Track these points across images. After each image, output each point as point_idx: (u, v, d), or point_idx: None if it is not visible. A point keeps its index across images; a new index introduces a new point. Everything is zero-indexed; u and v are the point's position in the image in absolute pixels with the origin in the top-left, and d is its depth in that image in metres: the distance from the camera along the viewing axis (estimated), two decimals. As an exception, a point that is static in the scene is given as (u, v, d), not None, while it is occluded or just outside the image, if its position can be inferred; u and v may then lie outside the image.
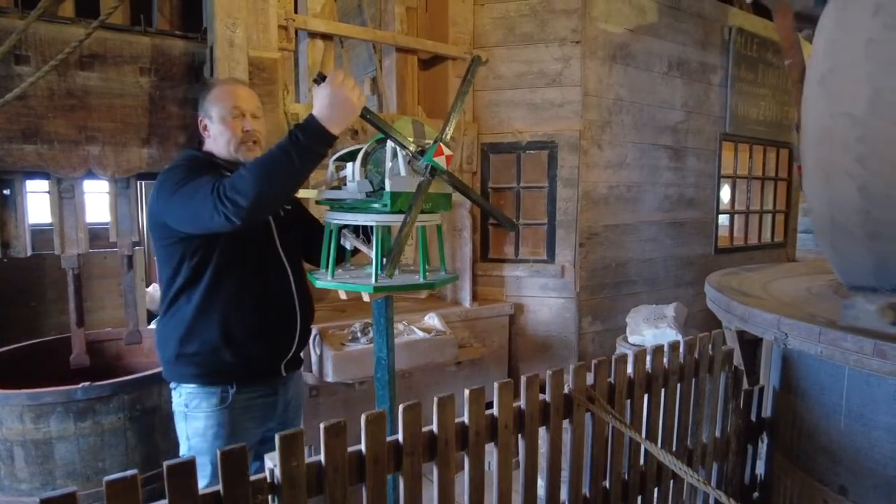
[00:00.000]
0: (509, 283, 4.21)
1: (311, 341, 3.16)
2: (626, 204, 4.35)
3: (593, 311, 4.24)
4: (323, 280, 1.68)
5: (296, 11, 3.34)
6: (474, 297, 4.07)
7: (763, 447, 2.68)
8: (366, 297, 1.60)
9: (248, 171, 1.55)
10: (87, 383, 2.58)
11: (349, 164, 1.71)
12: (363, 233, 1.80)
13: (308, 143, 1.55)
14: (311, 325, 2.08)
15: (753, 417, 2.62)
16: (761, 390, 2.64)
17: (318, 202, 1.78)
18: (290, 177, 1.57)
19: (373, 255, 1.63)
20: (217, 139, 1.84)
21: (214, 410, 1.80)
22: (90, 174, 2.83)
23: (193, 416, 1.82)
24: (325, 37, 3.46)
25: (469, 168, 4.03)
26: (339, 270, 1.81)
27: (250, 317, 1.83)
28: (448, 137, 1.60)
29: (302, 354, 2.05)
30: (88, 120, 2.76)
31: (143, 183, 4.06)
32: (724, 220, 5.34)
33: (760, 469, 2.71)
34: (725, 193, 5.49)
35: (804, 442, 2.35)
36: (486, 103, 4.11)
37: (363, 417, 1.41)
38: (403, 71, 3.87)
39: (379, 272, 1.60)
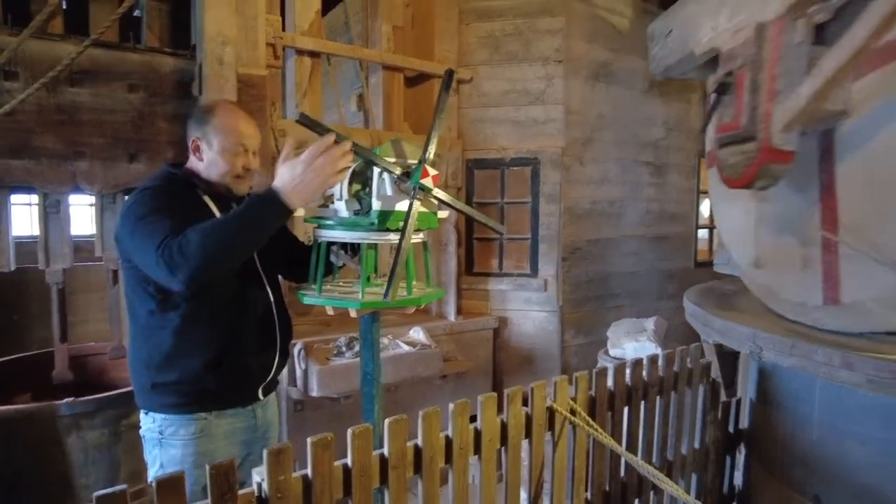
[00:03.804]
0: (494, 297, 4.26)
1: (295, 356, 3.18)
2: (608, 219, 4.44)
3: (576, 324, 4.30)
4: (311, 296, 1.71)
5: (284, 29, 3.39)
6: (459, 311, 4.12)
7: (741, 458, 2.74)
8: (353, 313, 1.64)
9: (198, 236, 1.49)
10: (70, 399, 2.57)
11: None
12: (350, 248, 1.84)
13: (265, 217, 1.55)
14: (290, 347, 2.04)
15: (731, 429, 2.68)
16: (739, 402, 2.70)
17: (306, 220, 1.82)
18: (241, 247, 1.56)
19: (360, 271, 1.67)
20: (211, 167, 1.79)
21: (193, 439, 1.74)
22: (77, 189, 2.84)
23: (169, 444, 1.75)
24: (313, 54, 3.52)
25: (454, 183, 4.09)
26: (327, 285, 1.85)
27: (232, 342, 1.76)
28: (431, 157, 1.65)
29: (279, 378, 2.02)
30: (77, 135, 2.78)
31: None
32: (704, 234, 5.46)
33: (738, 480, 2.77)
34: (705, 208, 5.61)
35: (779, 452, 2.41)
36: (471, 120, 4.19)
37: (350, 431, 1.44)
38: (390, 88, 3.93)
39: (365, 288, 1.65)
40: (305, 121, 1.58)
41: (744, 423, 2.70)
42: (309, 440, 1.37)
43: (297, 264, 1.90)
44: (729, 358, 2.73)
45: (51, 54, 2.66)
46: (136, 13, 3.44)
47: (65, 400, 2.55)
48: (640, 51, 4.47)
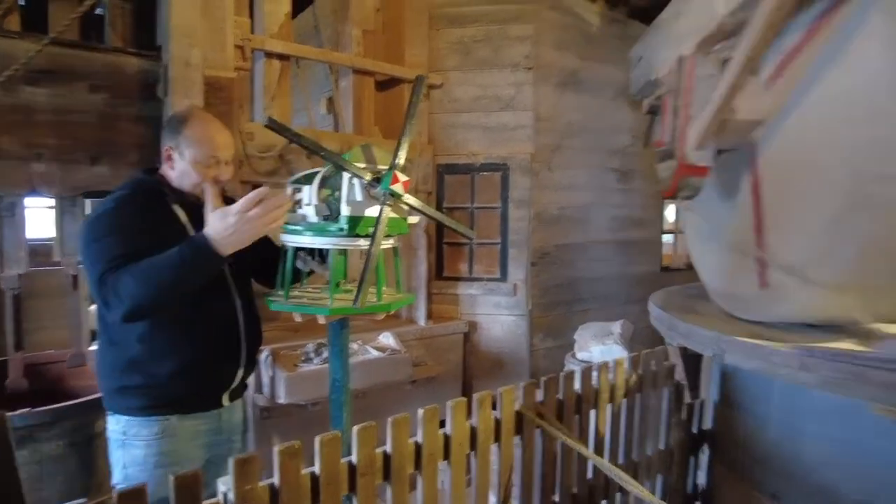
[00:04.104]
0: (464, 302, 4.27)
1: (262, 362, 3.13)
2: (576, 224, 4.50)
3: (545, 328, 4.34)
4: (279, 303, 1.69)
5: (252, 31, 3.35)
6: (429, 316, 4.12)
7: (704, 458, 2.80)
8: (321, 320, 1.63)
9: (132, 279, 1.53)
10: (25, 409, 2.48)
11: (306, 188, 1.74)
12: (319, 254, 1.83)
13: (198, 265, 1.56)
14: (258, 354, 2.03)
15: (695, 430, 2.74)
16: (702, 404, 2.76)
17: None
18: (174, 291, 1.57)
19: (329, 277, 1.66)
20: (183, 177, 1.78)
21: (155, 439, 1.74)
22: (34, 192, 2.75)
23: (132, 444, 1.75)
24: (282, 57, 3.48)
25: (425, 188, 4.10)
26: (295, 291, 1.83)
27: (196, 348, 1.77)
28: (401, 162, 1.65)
29: (247, 382, 2.00)
30: (35, 136, 2.69)
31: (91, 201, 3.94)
32: (669, 239, 5.58)
33: (702, 479, 2.83)
34: (670, 214, 5.73)
35: (740, 452, 2.48)
36: (441, 125, 4.20)
37: (318, 439, 1.43)
38: (360, 92, 3.92)
39: (335, 294, 1.63)
40: (274, 125, 1.56)
41: (707, 424, 2.76)
42: (276, 448, 1.36)
43: (270, 264, 1.88)
44: (693, 361, 2.79)
45: (7, 52, 2.57)
46: (99, 11, 3.35)
47: (18, 411, 2.45)
48: (609, 59, 4.57)
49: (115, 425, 1.78)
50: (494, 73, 4.14)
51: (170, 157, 1.79)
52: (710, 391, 2.82)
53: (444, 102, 4.19)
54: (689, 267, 5.65)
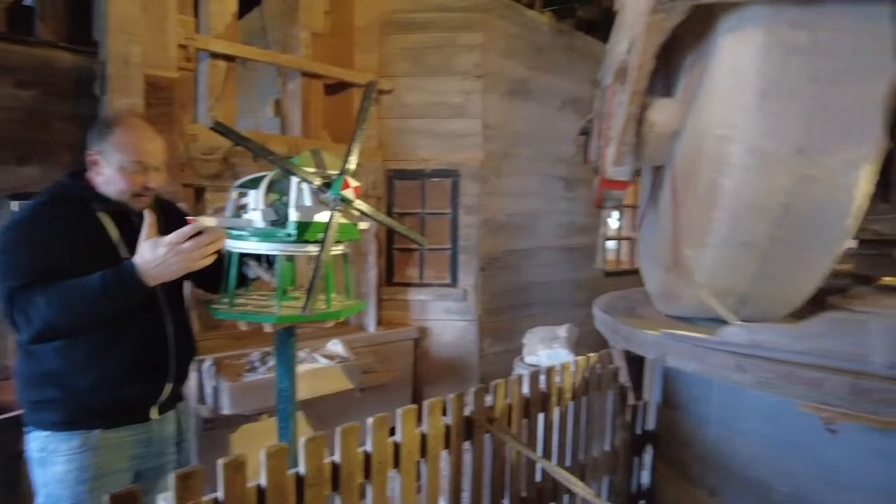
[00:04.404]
0: (414, 307, 4.27)
1: (205, 372, 3.03)
2: (524, 231, 4.58)
3: (494, 332, 4.39)
4: (223, 310, 1.64)
5: (197, 31, 3.25)
6: (379, 322, 4.09)
7: (648, 458, 2.89)
8: (268, 328, 1.59)
9: (44, 302, 1.47)
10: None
11: (251, 192, 1.70)
12: (266, 260, 1.79)
13: (120, 293, 1.52)
14: (191, 365, 1.95)
15: (639, 431, 2.82)
16: (645, 405, 2.85)
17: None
18: (90, 317, 1.53)
19: (276, 283, 1.63)
20: (109, 184, 1.69)
21: (76, 453, 1.65)
22: (-46, 193, 2.58)
23: (52, 461, 1.66)
24: (228, 58, 3.39)
25: (375, 193, 4.07)
26: (240, 299, 1.78)
27: (118, 361, 1.69)
28: (352, 168, 1.64)
29: (181, 392, 1.93)
30: (-46, 135, 2.53)
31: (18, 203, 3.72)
32: (612, 245, 5.75)
33: (646, 479, 2.92)
34: (614, 221, 5.91)
35: (682, 451, 2.57)
36: (391, 131, 4.19)
37: (264, 452, 1.39)
38: (308, 95, 3.86)
39: (282, 302, 1.60)
40: (219, 128, 1.52)
41: (650, 424, 2.85)
42: (220, 461, 1.31)
43: (212, 270, 1.82)
44: (636, 363, 2.88)
45: (-76, 44, 2.40)
46: (28, 2, 3.17)
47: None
48: (555, 69, 4.68)
49: (35, 442, 1.69)
50: (445, 80, 4.16)
51: (95, 163, 1.71)
52: (652, 393, 2.91)
53: (395, 108, 4.19)
54: (632, 271, 5.86)
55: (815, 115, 1.86)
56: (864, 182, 1.89)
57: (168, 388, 1.80)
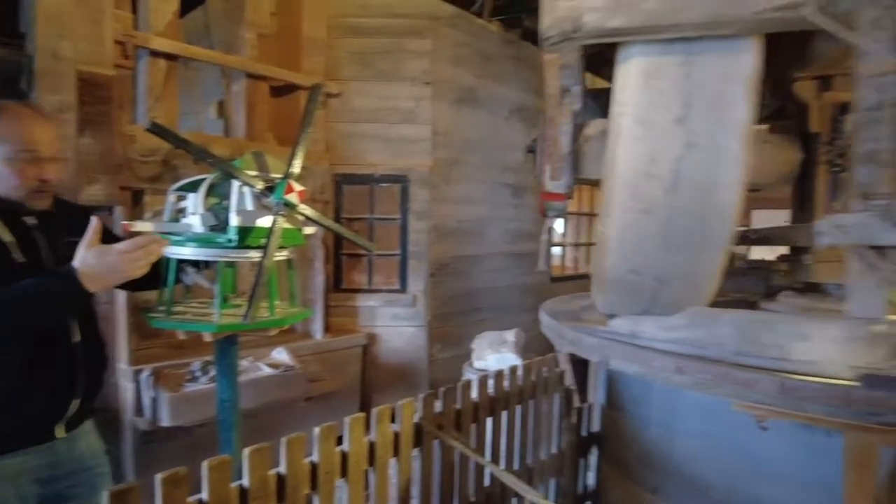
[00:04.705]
0: (363, 314, 4.22)
1: (142, 382, 2.91)
2: (473, 237, 4.62)
3: (443, 338, 4.40)
4: (160, 319, 1.58)
5: (136, 28, 3.13)
6: (327, 329, 4.02)
7: (593, 459, 2.96)
8: (208, 338, 1.54)
9: None
10: None
11: (191, 196, 1.64)
12: (205, 266, 1.73)
13: (59, 299, 1.44)
14: (104, 377, 1.81)
15: (584, 433, 2.88)
16: (590, 408, 2.92)
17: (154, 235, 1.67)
18: (22, 325, 1.44)
19: (216, 291, 1.58)
20: (0, 180, 1.54)
21: None
22: None
23: None
24: (169, 57, 3.28)
25: (322, 197, 4.02)
26: (179, 306, 1.72)
27: (14, 377, 1.54)
28: (296, 172, 1.61)
29: (93, 407, 1.78)
30: None
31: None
32: (558, 251, 5.87)
33: (591, 480, 2.98)
34: (560, 227, 6.04)
35: (625, 451, 2.64)
36: (340, 134, 4.15)
37: (205, 465, 1.34)
38: (253, 97, 3.77)
39: (222, 310, 1.55)
40: (157, 129, 1.47)
41: (595, 426, 2.92)
42: (158, 476, 1.26)
43: (148, 275, 1.73)
44: (581, 366, 2.94)
45: None
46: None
47: None
48: (503, 79, 4.75)
49: None
50: (394, 85, 4.16)
51: None
52: (597, 395, 2.98)
53: (343, 111, 4.15)
54: (577, 277, 6.01)
55: (690, 91, 2.20)
56: (743, 149, 2.17)
57: (76, 403, 1.66)
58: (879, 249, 1.92)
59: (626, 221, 2.40)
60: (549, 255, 4.63)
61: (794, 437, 1.98)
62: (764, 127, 3.04)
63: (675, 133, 2.24)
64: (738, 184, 2.20)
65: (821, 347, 1.85)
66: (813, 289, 2.66)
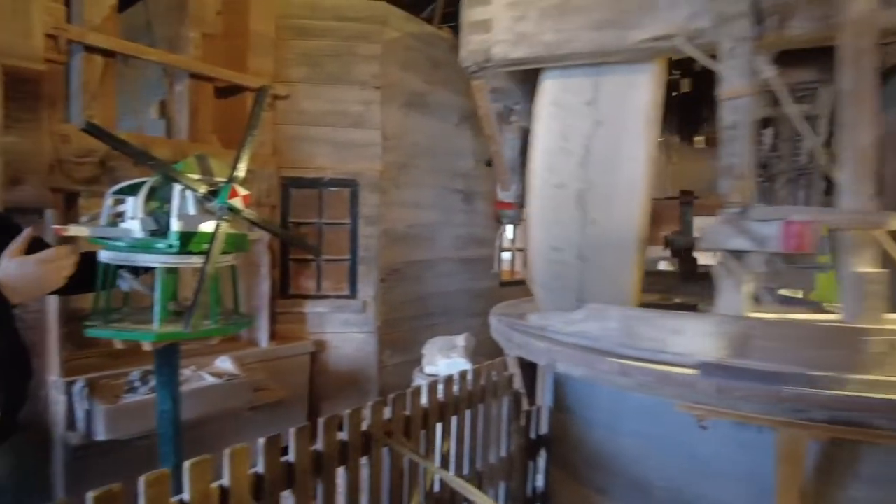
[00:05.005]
0: (311, 320, 4.15)
1: (75, 395, 2.76)
2: (423, 242, 4.62)
3: (393, 343, 4.37)
4: (96, 328, 1.51)
5: (70, 21, 2.98)
6: (273, 336, 3.93)
7: (542, 462, 3.00)
8: (146, 346, 1.48)
9: None
10: None
11: (130, 199, 1.58)
12: (145, 272, 1.66)
13: None
14: (27, 390, 1.68)
15: (533, 435, 2.92)
16: (539, 410, 2.96)
17: (90, 240, 1.60)
18: None
19: (156, 298, 1.52)
20: None
21: None
22: None
23: None
24: (106, 53, 3.14)
25: (268, 202, 3.93)
26: (117, 314, 1.64)
27: None
28: (241, 175, 1.57)
29: (16, 423, 1.66)
30: None
31: None
32: (507, 256, 5.94)
33: (540, 482, 3.02)
34: (509, 233, 6.11)
35: (573, 453, 2.69)
36: (287, 137, 4.07)
37: (143, 480, 1.28)
38: (197, 98, 3.66)
39: (162, 318, 1.49)
40: (92, 130, 1.40)
41: (543, 429, 2.96)
42: (90, 494, 1.19)
43: (79, 281, 1.64)
44: (529, 369, 2.98)
45: None
46: None
47: None
48: (453, 85, 4.78)
49: None
50: (343, 88, 4.12)
51: None
52: (545, 398, 3.03)
53: (291, 114, 4.07)
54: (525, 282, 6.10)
55: (599, 77, 2.51)
56: (646, 128, 2.42)
57: None
58: (736, 253, 2.15)
59: (544, 197, 2.64)
60: (500, 259, 4.78)
61: (731, 435, 2.07)
62: (700, 138, 3.23)
63: (585, 112, 2.52)
64: (642, 159, 2.42)
65: (690, 341, 2.02)
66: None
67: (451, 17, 5.17)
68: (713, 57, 2.26)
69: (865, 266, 1.98)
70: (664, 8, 2.34)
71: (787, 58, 2.25)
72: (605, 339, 2.25)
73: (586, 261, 2.58)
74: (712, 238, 2.17)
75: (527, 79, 2.82)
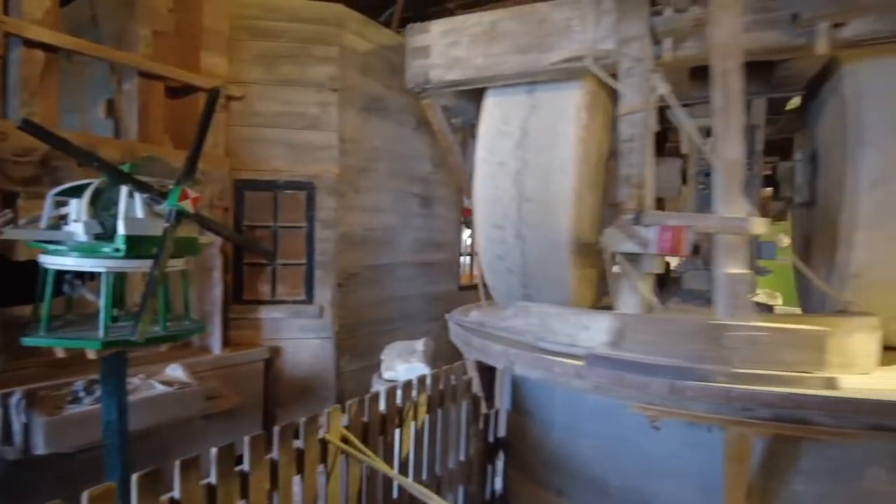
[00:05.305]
0: (266, 326, 4.06)
1: (12, 407, 2.62)
2: (382, 246, 4.58)
3: (352, 349, 4.32)
4: (35, 336, 1.43)
5: (6, 13, 2.83)
6: (226, 343, 3.83)
7: (500, 464, 3.01)
8: (91, 355, 1.41)
9: None
10: None
11: (73, 201, 1.51)
12: (90, 277, 1.59)
13: None
14: None
15: (491, 438, 2.94)
16: (497, 413, 2.98)
17: (30, 245, 1.52)
18: None
19: (101, 304, 1.45)
20: None
21: None
22: None
23: None
24: (47, 48, 3.00)
25: (221, 204, 3.82)
26: (59, 321, 1.57)
27: None
28: (192, 177, 1.53)
29: None
30: None
31: None
32: (466, 260, 5.97)
33: (499, 485, 3.04)
34: (467, 237, 6.15)
35: (531, 455, 2.72)
36: (241, 138, 3.98)
37: (86, 494, 1.23)
38: (147, 97, 3.54)
39: (108, 324, 1.43)
40: (30, 128, 1.34)
41: (501, 432, 2.98)
42: (26, 512, 1.13)
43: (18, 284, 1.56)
44: (488, 373, 3.00)
45: None
46: None
47: None
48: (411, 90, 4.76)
49: None
50: (299, 90, 4.06)
51: None
52: (503, 401, 3.05)
53: (245, 115, 3.99)
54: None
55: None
56: (577, 113, 2.63)
57: None
58: (630, 256, 2.34)
59: (485, 177, 2.84)
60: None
61: (682, 435, 2.13)
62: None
63: (522, 99, 2.78)
64: (575, 139, 2.63)
65: (595, 335, 2.19)
66: (696, 295, 2.88)
67: (409, 23, 5.17)
68: (613, 77, 2.49)
69: (735, 267, 2.12)
70: (577, 31, 2.60)
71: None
72: (529, 334, 2.44)
73: (526, 242, 2.76)
74: (608, 241, 2.36)
75: (477, 96, 3.04)
